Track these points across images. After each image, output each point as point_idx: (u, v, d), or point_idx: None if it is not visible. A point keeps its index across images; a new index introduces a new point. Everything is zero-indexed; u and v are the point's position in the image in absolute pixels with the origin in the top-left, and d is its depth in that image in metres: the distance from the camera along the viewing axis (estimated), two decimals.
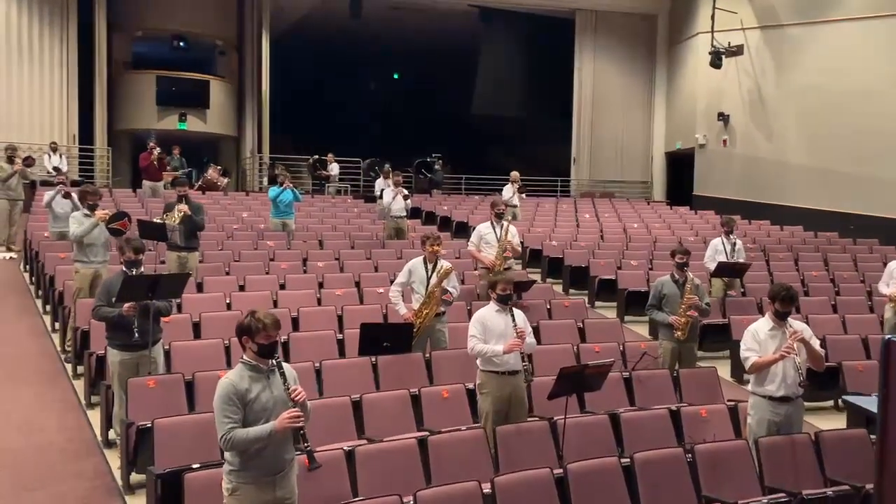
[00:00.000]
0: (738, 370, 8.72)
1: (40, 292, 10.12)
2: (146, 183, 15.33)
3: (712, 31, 18.47)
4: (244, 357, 3.90)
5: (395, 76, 26.67)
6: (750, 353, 5.45)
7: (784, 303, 5.40)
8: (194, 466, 4.74)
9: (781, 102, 17.75)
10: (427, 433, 5.47)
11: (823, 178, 16.58)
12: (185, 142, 19.31)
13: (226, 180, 18.11)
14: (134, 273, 5.97)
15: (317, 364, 6.43)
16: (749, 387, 5.60)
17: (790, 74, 17.53)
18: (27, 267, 11.45)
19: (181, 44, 21.20)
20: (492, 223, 9.06)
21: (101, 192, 9.01)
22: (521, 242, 13.24)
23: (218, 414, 3.77)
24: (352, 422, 5.61)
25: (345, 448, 4.91)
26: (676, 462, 5.05)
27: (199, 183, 17.95)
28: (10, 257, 12.37)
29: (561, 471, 4.88)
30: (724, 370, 8.62)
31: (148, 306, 5.85)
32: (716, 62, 18.34)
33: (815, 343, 5.48)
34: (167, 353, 6.54)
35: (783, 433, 5.39)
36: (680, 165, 21.17)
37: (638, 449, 5.31)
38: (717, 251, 10.16)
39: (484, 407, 5.74)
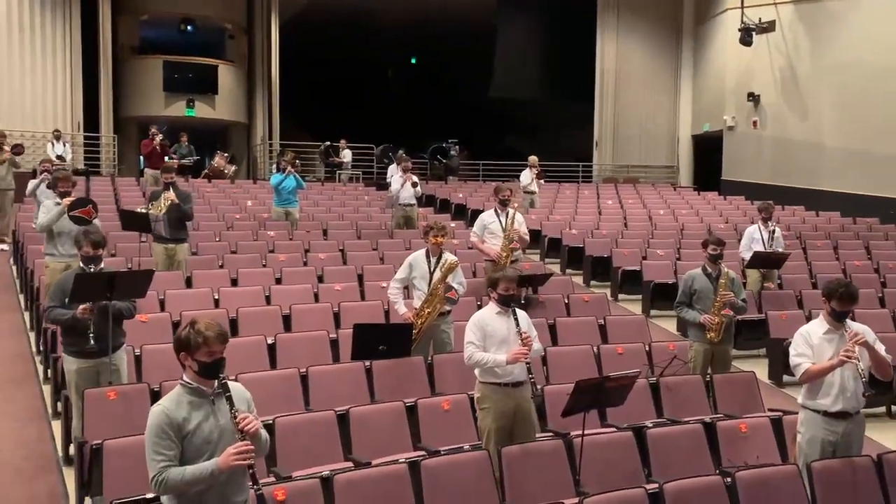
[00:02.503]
0: (777, 370, 7.92)
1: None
2: (148, 171, 14.73)
3: (742, 7, 17.54)
4: (184, 378, 3.18)
5: (413, 61, 25.80)
6: (802, 359, 4.59)
7: (843, 301, 4.54)
8: (149, 496, 4.09)
9: (816, 81, 16.74)
10: (423, 454, 4.74)
11: (862, 160, 15.58)
12: (194, 129, 18.62)
13: (233, 168, 17.44)
14: (92, 270, 5.27)
15: (303, 370, 5.73)
16: (799, 399, 4.78)
17: (826, 51, 16.50)
18: (15, 260, 10.88)
19: (189, 27, 20.53)
20: (496, 211, 8.28)
21: (75, 178, 8.33)
22: (539, 231, 12.54)
23: (148, 450, 3.05)
24: (337, 440, 4.90)
25: (322, 475, 4.20)
26: (715, 493, 4.26)
27: (206, 171, 17.34)
28: (2, 249, 11.80)
29: (577, 501, 4.14)
30: (760, 371, 7.80)
31: (106, 307, 5.16)
32: (746, 39, 17.39)
33: (881, 347, 4.63)
34: (137, 358, 5.87)
35: (840, 454, 4.58)
36: (708, 149, 20.22)
37: (667, 470, 4.63)
38: (753, 240, 9.35)
39: (484, 424, 4.94)
